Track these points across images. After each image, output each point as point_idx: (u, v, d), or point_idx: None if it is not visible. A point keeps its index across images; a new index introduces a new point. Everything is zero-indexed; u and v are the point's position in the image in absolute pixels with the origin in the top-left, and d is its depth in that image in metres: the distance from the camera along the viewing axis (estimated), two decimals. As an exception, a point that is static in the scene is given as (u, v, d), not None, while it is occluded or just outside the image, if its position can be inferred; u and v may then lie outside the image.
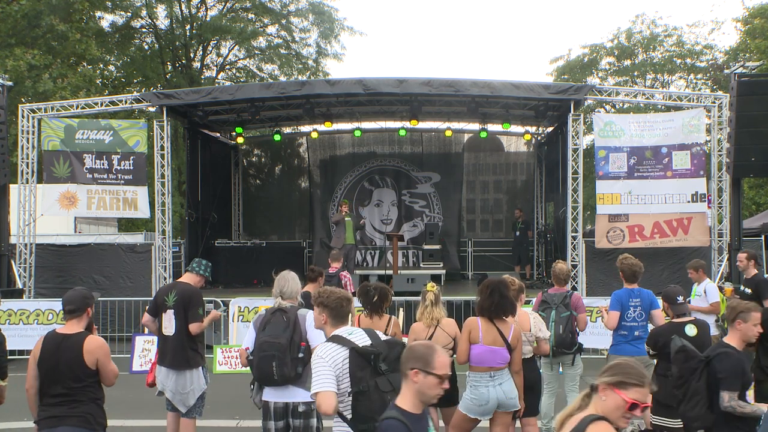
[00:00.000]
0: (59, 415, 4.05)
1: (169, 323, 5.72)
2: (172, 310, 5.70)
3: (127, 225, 25.35)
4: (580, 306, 6.56)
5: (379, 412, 3.34)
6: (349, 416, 3.45)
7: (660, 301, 6.07)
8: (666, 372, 5.30)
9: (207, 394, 6.14)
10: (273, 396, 4.45)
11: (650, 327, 6.47)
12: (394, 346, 3.56)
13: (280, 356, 4.32)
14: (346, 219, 14.33)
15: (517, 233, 16.63)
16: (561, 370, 6.56)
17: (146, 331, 7.39)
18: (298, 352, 4.41)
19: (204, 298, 9.10)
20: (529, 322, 5.48)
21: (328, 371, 3.43)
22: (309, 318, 4.60)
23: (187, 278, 5.98)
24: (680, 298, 5.34)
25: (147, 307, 6.11)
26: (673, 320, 5.40)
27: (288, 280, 4.78)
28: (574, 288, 11.42)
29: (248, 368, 4.60)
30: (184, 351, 5.70)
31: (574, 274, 12.12)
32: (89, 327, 4.33)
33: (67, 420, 4.03)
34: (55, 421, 4.04)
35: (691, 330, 5.24)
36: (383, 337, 3.68)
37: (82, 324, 4.25)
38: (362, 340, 3.58)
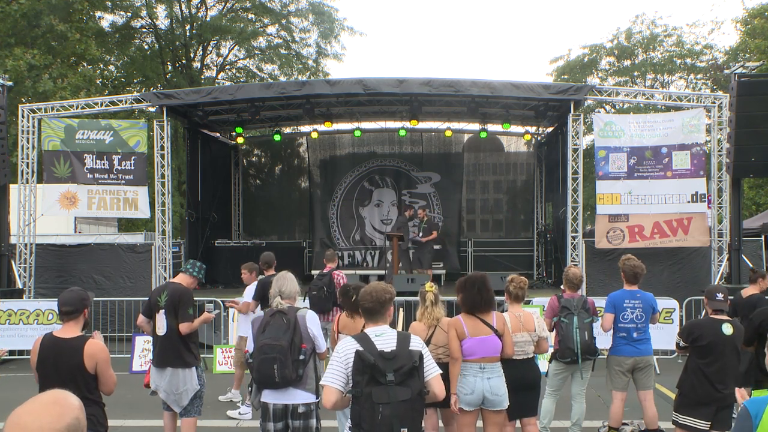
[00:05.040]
0: None
1: (161, 323, 5.74)
2: (164, 310, 5.72)
3: (127, 225, 25.34)
4: (595, 310, 6.51)
5: (367, 421, 3.36)
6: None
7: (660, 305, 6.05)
8: (697, 370, 5.27)
9: (207, 394, 6.14)
10: (272, 397, 4.44)
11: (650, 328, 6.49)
12: (409, 359, 3.47)
13: (282, 359, 4.31)
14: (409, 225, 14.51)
15: (420, 234, 15.11)
16: (545, 371, 6.45)
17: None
18: (299, 354, 4.40)
19: (205, 299, 9.16)
20: (533, 322, 5.48)
21: (337, 366, 3.51)
22: (309, 318, 4.61)
23: (180, 279, 5.99)
24: (719, 295, 5.35)
25: (141, 309, 6.11)
26: (710, 315, 5.38)
27: (287, 280, 4.77)
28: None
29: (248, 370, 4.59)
30: (176, 351, 5.70)
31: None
32: (86, 328, 4.29)
33: None
34: None
35: (727, 329, 5.23)
36: (414, 346, 3.55)
37: (79, 326, 4.20)
38: (385, 344, 3.52)
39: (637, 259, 6.54)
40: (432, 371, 3.58)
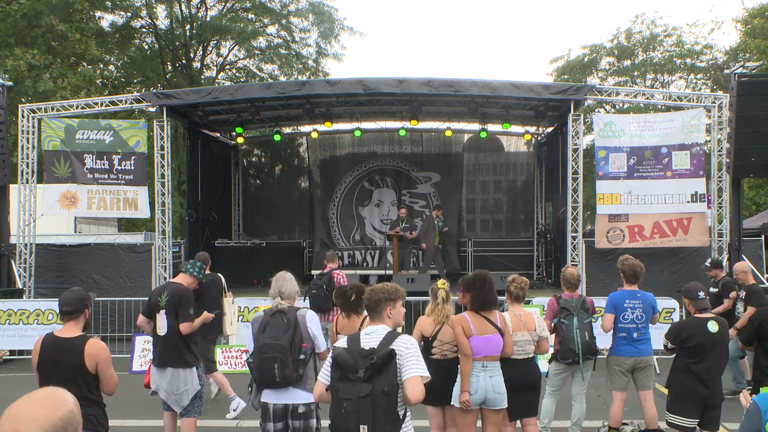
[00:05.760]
0: None
1: (161, 324, 5.74)
2: (164, 311, 5.72)
3: (127, 225, 25.36)
4: (594, 309, 6.51)
5: (335, 415, 3.42)
6: None
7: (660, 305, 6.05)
8: (685, 368, 5.30)
9: (204, 394, 6.14)
10: (272, 398, 4.44)
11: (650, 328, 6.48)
12: (374, 355, 3.45)
13: (282, 358, 4.32)
14: (436, 222, 14.39)
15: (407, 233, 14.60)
16: (545, 371, 6.47)
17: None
18: (300, 354, 4.41)
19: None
20: (534, 321, 5.49)
21: (328, 362, 3.63)
22: (309, 318, 4.61)
23: (180, 279, 5.99)
24: (701, 294, 5.34)
25: (141, 309, 6.11)
26: (695, 315, 5.38)
27: (286, 280, 4.78)
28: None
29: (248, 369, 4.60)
30: (177, 351, 5.71)
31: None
32: (86, 328, 4.29)
33: None
34: None
35: (713, 326, 5.23)
36: (394, 345, 3.52)
37: (79, 326, 4.20)
38: (369, 342, 3.56)
39: (635, 259, 6.53)
40: (408, 372, 3.44)
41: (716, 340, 5.23)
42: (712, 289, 8.34)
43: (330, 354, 3.65)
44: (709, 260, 8.84)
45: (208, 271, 8.09)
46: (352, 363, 3.44)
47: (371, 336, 3.61)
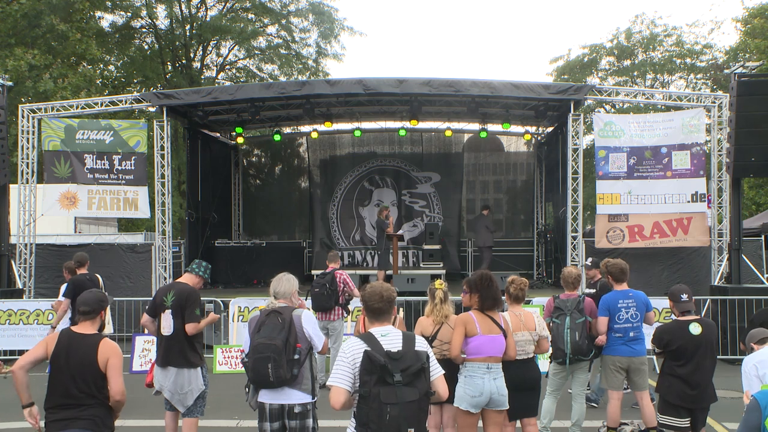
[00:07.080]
0: (68, 418, 4.01)
1: (167, 323, 5.73)
2: (170, 311, 5.71)
3: (127, 225, 25.37)
4: (594, 310, 6.47)
5: (375, 421, 3.35)
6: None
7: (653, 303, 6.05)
8: (671, 371, 5.32)
9: (207, 394, 6.15)
10: (269, 398, 4.45)
11: (645, 327, 6.48)
12: (417, 360, 3.46)
13: (276, 358, 4.32)
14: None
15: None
16: (545, 371, 6.48)
17: (146, 331, 7.45)
18: (294, 354, 4.41)
19: (205, 299, 9.17)
20: (534, 321, 5.50)
21: (344, 367, 3.49)
22: (304, 317, 4.61)
23: (186, 279, 5.98)
24: (684, 296, 5.34)
25: (146, 308, 6.11)
26: (678, 318, 5.39)
27: (282, 280, 4.80)
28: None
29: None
30: (182, 351, 5.70)
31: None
32: (101, 329, 4.35)
33: (75, 423, 4.00)
34: (63, 423, 4.00)
35: (695, 328, 5.24)
36: (419, 347, 3.55)
37: (95, 326, 4.27)
38: (391, 344, 3.51)
39: (616, 258, 6.58)
40: (436, 371, 3.60)
41: (700, 341, 5.23)
42: (588, 290, 8.03)
43: (347, 357, 3.50)
44: (590, 259, 8.48)
45: (84, 270, 8.21)
46: (388, 366, 3.40)
47: (388, 337, 3.55)
